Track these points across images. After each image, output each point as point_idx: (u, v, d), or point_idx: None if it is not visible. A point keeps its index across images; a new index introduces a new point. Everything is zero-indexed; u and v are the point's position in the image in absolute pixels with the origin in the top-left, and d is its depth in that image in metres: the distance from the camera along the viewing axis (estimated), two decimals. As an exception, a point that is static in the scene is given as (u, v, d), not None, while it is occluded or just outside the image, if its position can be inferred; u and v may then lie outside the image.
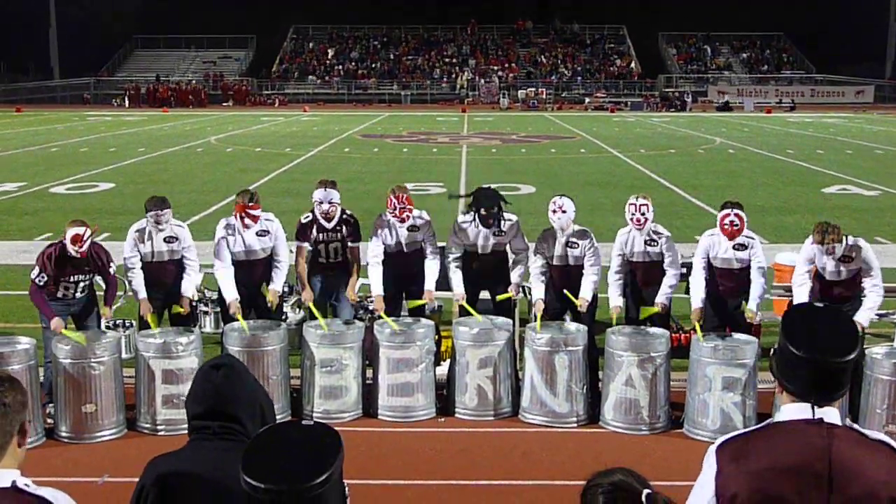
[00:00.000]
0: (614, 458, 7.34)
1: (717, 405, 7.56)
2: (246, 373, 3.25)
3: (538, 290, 8.51)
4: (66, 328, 8.02)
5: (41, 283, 8.07)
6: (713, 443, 2.97)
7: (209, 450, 3.10)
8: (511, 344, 8.33)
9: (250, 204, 8.51)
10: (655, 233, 8.50)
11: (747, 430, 2.97)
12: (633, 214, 8.42)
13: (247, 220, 8.51)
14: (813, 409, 2.84)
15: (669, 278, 8.47)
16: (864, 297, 7.99)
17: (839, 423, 2.84)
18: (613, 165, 27.84)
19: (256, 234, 8.61)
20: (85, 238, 7.99)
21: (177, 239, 8.66)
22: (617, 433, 7.83)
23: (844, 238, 7.86)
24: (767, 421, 2.97)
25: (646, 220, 8.41)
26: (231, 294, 8.49)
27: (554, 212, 8.51)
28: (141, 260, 8.60)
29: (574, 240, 8.54)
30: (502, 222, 8.78)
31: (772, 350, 2.99)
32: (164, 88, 64.99)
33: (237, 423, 3.11)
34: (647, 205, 8.43)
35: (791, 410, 2.88)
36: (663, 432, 7.84)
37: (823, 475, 2.74)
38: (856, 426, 2.89)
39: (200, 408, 3.16)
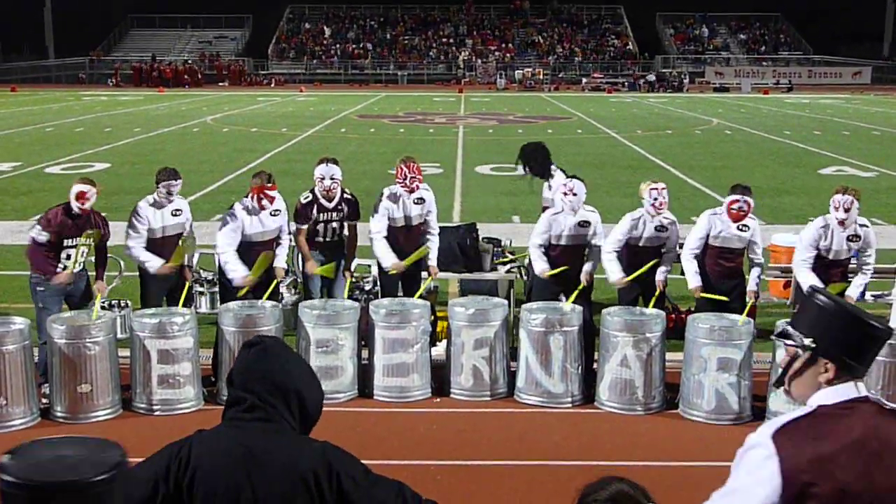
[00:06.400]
0: (609, 438, 7.37)
1: (713, 386, 7.57)
2: (282, 355, 3.10)
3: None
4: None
5: (41, 241, 8.08)
6: (753, 429, 2.81)
7: (245, 430, 2.99)
8: (506, 324, 8.33)
9: (269, 185, 8.46)
10: (669, 220, 8.51)
11: (795, 416, 2.78)
12: (655, 199, 8.38)
13: (264, 202, 8.46)
14: (857, 386, 2.77)
15: (669, 257, 8.54)
16: (857, 273, 8.25)
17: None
18: (610, 146, 27.81)
19: (271, 213, 8.57)
20: (89, 196, 8.05)
21: (181, 212, 8.62)
22: (612, 413, 7.83)
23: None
24: (812, 405, 2.80)
25: (666, 204, 8.46)
26: (242, 272, 8.34)
27: (565, 194, 8.47)
28: (149, 237, 8.46)
29: (585, 220, 8.52)
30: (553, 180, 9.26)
31: (822, 335, 2.80)
32: (150, 68, 64.71)
33: (266, 403, 2.99)
34: (666, 189, 8.50)
35: (838, 392, 2.77)
36: (658, 413, 7.85)
37: (880, 453, 2.66)
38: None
39: (233, 385, 3.08)
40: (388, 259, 8.71)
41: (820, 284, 8.02)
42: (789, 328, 2.88)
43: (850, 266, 8.40)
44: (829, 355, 2.77)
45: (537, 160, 9.51)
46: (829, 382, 2.77)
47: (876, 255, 8.30)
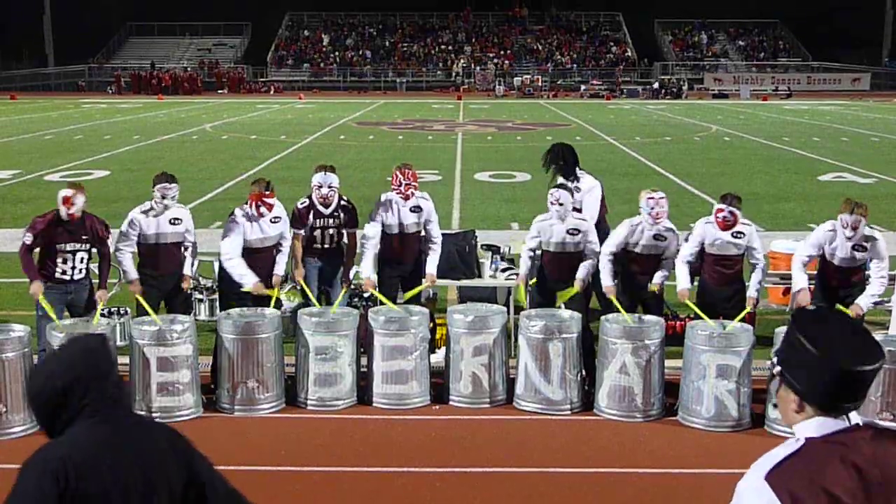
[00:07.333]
0: (608, 445, 7.36)
1: (712, 393, 7.56)
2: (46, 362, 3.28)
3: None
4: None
5: (28, 243, 8.15)
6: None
7: (107, 426, 3.07)
8: (505, 331, 8.32)
9: (267, 192, 8.47)
10: (667, 229, 8.49)
11: (785, 454, 2.57)
12: (651, 208, 8.36)
13: (262, 209, 8.47)
14: (847, 418, 2.58)
15: (667, 264, 8.52)
16: (868, 283, 8.22)
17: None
18: (609, 153, 27.82)
19: (271, 220, 8.59)
20: (73, 200, 8.03)
21: (181, 220, 8.61)
22: (611, 420, 7.83)
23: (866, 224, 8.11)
24: (800, 437, 2.61)
25: (665, 213, 8.43)
26: (252, 277, 8.37)
27: (552, 203, 8.48)
28: (143, 242, 8.48)
29: (574, 228, 8.51)
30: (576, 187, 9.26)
31: (786, 367, 2.66)
32: (149, 75, 64.77)
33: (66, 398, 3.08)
34: (665, 198, 8.46)
35: (826, 424, 2.58)
36: (657, 420, 7.84)
37: (883, 482, 2.50)
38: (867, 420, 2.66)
39: None
40: (366, 271, 8.67)
41: (803, 284, 8.23)
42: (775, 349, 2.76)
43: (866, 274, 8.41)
44: (793, 388, 2.63)
45: (567, 160, 9.60)
46: (797, 413, 2.63)
47: (888, 266, 8.31)
